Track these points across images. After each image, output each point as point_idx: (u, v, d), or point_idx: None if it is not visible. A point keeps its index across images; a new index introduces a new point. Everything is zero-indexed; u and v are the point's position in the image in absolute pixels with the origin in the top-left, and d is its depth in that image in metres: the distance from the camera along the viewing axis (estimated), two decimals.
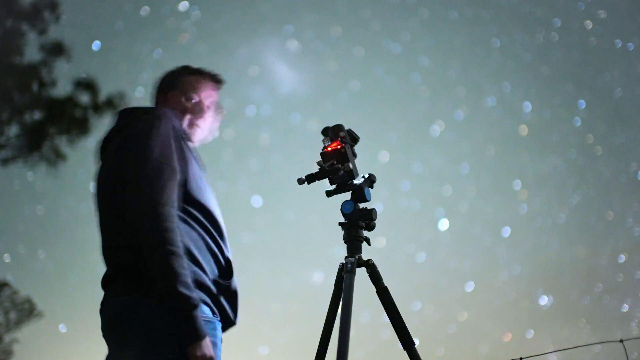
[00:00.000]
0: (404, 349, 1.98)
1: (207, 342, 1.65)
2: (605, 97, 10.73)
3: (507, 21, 11.07)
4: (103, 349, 1.81)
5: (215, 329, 1.77)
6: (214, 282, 1.80)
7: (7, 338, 9.80)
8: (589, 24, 10.61)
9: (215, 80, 2.22)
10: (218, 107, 2.18)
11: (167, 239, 1.63)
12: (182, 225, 1.75)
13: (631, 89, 10.68)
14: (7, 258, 10.42)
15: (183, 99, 2.10)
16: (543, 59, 10.85)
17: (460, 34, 11.00)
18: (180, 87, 2.12)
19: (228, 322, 1.87)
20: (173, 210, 1.69)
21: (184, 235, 1.73)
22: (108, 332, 1.80)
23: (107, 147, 1.96)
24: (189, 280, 1.64)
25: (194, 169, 1.87)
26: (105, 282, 1.82)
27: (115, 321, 1.77)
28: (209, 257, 1.81)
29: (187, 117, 2.09)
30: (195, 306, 1.62)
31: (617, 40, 10.43)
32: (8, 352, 9.75)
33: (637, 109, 10.60)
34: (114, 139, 1.93)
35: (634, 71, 10.75)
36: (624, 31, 10.48)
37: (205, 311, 1.74)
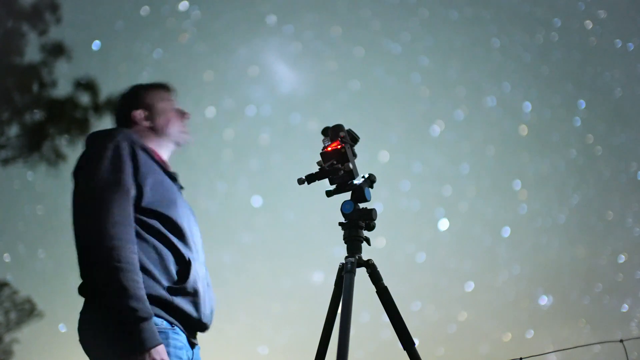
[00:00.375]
0: (404, 349, 1.98)
1: (155, 353, 1.68)
2: (605, 97, 10.73)
3: (507, 21, 11.08)
4: None
5: (168, 338, 1.81)
6: (169, 288, 1.84)
7: (7, 338, 9.80)
8: (589, 24, 10.62)
9: (166, 88, 2.30)
10: (179, 112, 2.25)
11: (112, 256, 1.70)
12: (136, 239, 1.81)
13: (631, 89, 10.68)
14: (7, 258, 10.43)
15: (143, 115, 2.18)
16: (543, 59, 10.86)
17: (460, 34, 11.01)
18: (138, 104, 2.20)
19: (194, 323, 1.92)
20: (120, 227, 1.76)
21: (138, 249, 1.79)
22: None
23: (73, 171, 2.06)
24: (139, 293, 1.69)
25: (154, 180, 1.94)
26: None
27: (79, 335, 1.87)
28: (163, 265, 1.86)
29: (152, 130, 2.17)
30: (143, 318, 1.67)
31: (617, 40, 10.44)
32: (8, 352, 9.76)
33: (637, 109, 10.61)
34: (77, 161, 2.02)
35: (634, 71, 10.76)
36: (624, 31, 10.49)
37: (157, 322, 1.77)
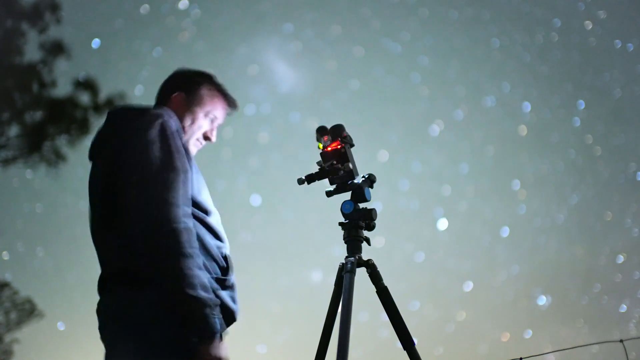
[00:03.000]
0: (404, 348, 1.99)
1: (217, 343, 1.65)
2: (604, 98, 10.74)
3: (507, 21, 11.09)
4: (101, 347, 1.81)
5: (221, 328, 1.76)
6: (216, 279, 1.80)
7: (7, 338, 9.80)
8: (588, 25, 10.63)
9: (227, 100, 2.15)
10: (210, 127, 2.10)
11: (177, 241, 1.61)
12: None
13: (630, 89, 10.69)
14: (5, 255, 10.43)
15: (180, 103, 2.05)
16: (543, 59, 10.87)
17: (460, 34, 11.02)
18: (186, 90, 2.07)
19: (230, 315, 1.86)
20: (183, 210, 1.67)
21: None
22: (104, 331, 1.79)
23: (100, 150, 1.92)
24: (204, 281, 1.63)
25: (194, 169, 1.86)
26: (102, 283, 1.81)
27: (111, 320, 1.76)
28: (209, 256, 1.81)
29: (184, 123, 2.02)
30: (209, 306, 1.62)
31: (617, 40, 10.45)
32: (8, 352, 9.76)
33: (637, 110, 10.62)
34: (109, 141, 1.88)
35: (634, 72, 10.77)
36: (623, 32, 10.50)
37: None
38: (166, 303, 1.61)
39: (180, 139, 1.83)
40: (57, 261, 10.29)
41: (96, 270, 1.87)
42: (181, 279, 1.58)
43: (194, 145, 2.08)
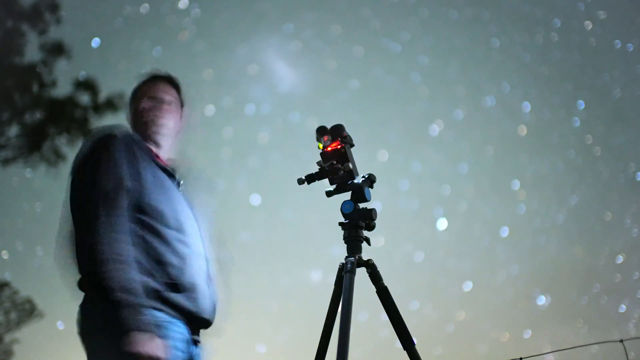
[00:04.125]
0: (404, 348, 1.99)
1: (147, 341, 1.72)
2: (604, 98, 10.74)
3: (507, 21, 11.09)
4: None
5: (167, 329, 1.84)
6: (166, 284, 1.87)
7: (7, 338, 9.80)
8: (588, 25, 10.63)
9: (146, 81, 2.27)
10: (156, 102, 2.19)
11: (109, 249, 1.77)
12: (133, 237, 1.85)
13: (630, 89, 10.69)
14: (5, 255, 10.43)
15: (134, 110, 2.20)
16: (542, 59, 10.86)
17: (460, 33, 11.01)
18: (132, 98, 2.25)
19: (194, 318, 1.94)
20: (118, 220, 1.82)
21: (135, 248, 1.84)
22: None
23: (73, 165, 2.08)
24: (134, 286, 1.75)
25: (148, 177, 1.96)
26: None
27: (77, 327, 1.92)
28: (158, 261, 1.89)
29: (138, 125, 2.17)
30: (137, 309, 1.72)
31: (617, 40, 10.45)
32: (8, 352, 9.76)
33: (637, 110, 10.62)
34: (76, 158, 2.05)
35: (634, 72, 10.77)
36: (623, 32, 10.50)
37: (157, 315, 1.81)
38: (107, 307, 1.74)
39: (137, 151, 1.98)
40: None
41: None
42: (114, 284, 1.73)
43: (160, 134, 2.16)
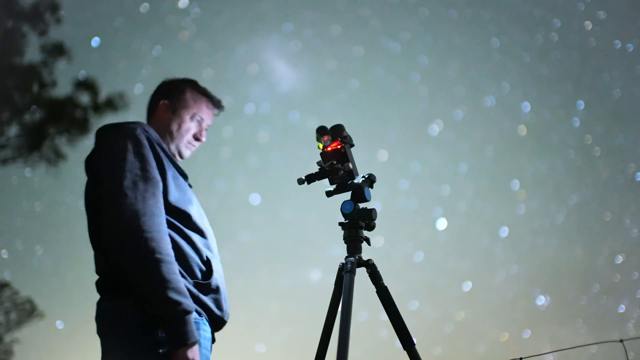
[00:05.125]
0: (404, 348, 1.99)
1: (195, 349, 1.71)
2: (604, 98, 10.74)
3: (506, 21, 11.09)
4: (99, 345, 1.86)
5: (199, 328, 1.83)
6: (195, 284, 1.85)
7: (7, 338, 9.80)
8: (588, 25, 10.63)
9: (211, 101, 2.24)
10: (199, 128, 2.19)
11: (152, 248, 1.68)
12: None
13: (630, 90, 10.69)
14: (4, 254, 10.43)
15: (165, 110, 2.15)
16: (542, 59, 10.87)
17: (460, 33, 11.01)
18: (169, 97, 2.17)
19: (216, 319, 1.93)
20: (157, 218, 1.75)
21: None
22: (100, 335, 1.87)
23: (89, 166, 2.01)
24: (181, 286, 1.69)
25: (172, 176, 1.93)
26: (98, 289, 1.89)
27: (101, 326, 1.85)
28: (187, 263, 1.85)
29: (171, 129, 2.13)
30: (187, 312, 1.68)
31: (617, 41, 10.45)
32: (8, 352, 9.75)
33: (636, 110, 10.62)
34: (93, 155, 1.99)
35: (633, 72, 10.77)
36: (623, 32, 10.50)
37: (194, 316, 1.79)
38: (146, 310, 1.68)
39: (158, 149, 1.92)
40: (56, 259, 10.29)
41: (94, 268, 1.92)
42: (160, 284, 1.65)
43: (186, 147, 2.17)
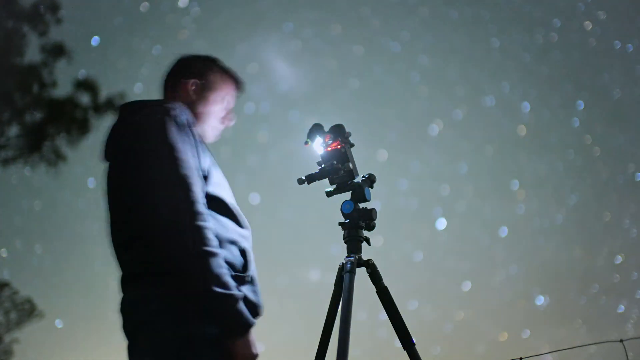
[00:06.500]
0: (404, 348, 1.99)
1: (253, 337, 1.66)
2: (604, 98, 10.75)
3: (506, 21, 11.10)
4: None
5: None
6: (235, 276, 1.74)
7: (7, 338, 9.80)
8: (588, 25, 10.64)
9: (236, 82, 2.11)
10: (227, 111, 2.08)
11: (200, 239, 1.59)
12: None
13: (630, 90, 10.70)
14: (4, 253, 10.43)
15: (194, 90, 2.00)
16: (542, 59, 10.87)
17: (460, 33, 11.02)
18: (195, 74, 2.02)
19: (255, 311, 1.82)
20: (201, 207, 1.64)
21: None
22: (128, 324, 1.76)
23: (114, 146, 1.88)
24: (228, 279, 1.62)
25: (209, 162, 1.82)
26: (125, 281, 1.78)
27: (134, 313, 1.73)
28: (227, 253, 1.75)
29: (198, 110, 1.99)
30: (238, 299, 1.61)
31: (617, 41, 10.46)
32: (8, 352, 9.75)
33: (636, 110, 10.63)
34: (122, 137, 1.84)
35: (633, 72, 10.78)
36: (623, 32, 10.51)
37: None
38: (196, 301, 1.60)
39: (192, 131, 1.78)
40: (55, 258, 10.30)
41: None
42: (210, 277, 1.57)
43: (213, 130, 2.05)
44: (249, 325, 1.65)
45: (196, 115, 1.96)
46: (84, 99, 10.34)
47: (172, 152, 1.67)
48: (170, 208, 1.60)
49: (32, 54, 10.38)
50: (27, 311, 9.86)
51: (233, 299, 1.60)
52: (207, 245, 1.59)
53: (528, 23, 10.94)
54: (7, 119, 10.37)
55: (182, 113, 1.77)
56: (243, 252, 1.83)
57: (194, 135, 1.76)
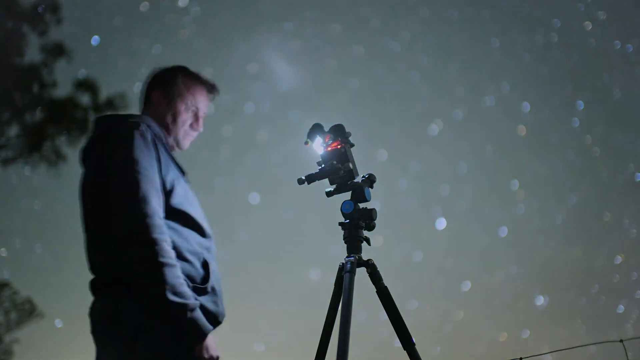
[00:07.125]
0: (404, 348, 1.99)
1: (211, 342, 1.76)
2: (604, 98, 10.75)
3: (506, 21, 11.10)
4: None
5: None
6: (193, 287, 1.84)
7: (7, 338, 9.80)
8: (588, 25, 10.64)
9: (205, 86, 2.17)
10: (195, 117, 2.13)
11: (157, 251, 1.69)
12: None
13: (630, 90, 10.70)
14: (4, 253, 10.43)
15: (160, 101, 2.09)
16: (542, 59, 10.87)
17: (460, 33, 11.02)
18: (162, 86, 2.11)
19: (214, 321, 1.92)
20: (160, 220, 1.75)
21: None
22: (96, 333, 1.86)
23: (89, 155, 1.98)
24: (185, 289, 1.73)
25: (173, 176, 1.90)
26: (94, 287, 1.88)
27: (102, 324, 1.84)
28: (187, 265, 1.85)
29: (167, 121, 2.07)
30: (193, 309, 1.72)
31: (617, 41, 10.46)
32: (8, 352, 9.75)
33: (636, 111, 10.63)
34: (93, 150, 1.95)
35: (633, 72, 10.78)
36: (623, 32, 10.51)
37: None
38: (155, 310, 1.72)
39: (159, 146, 1.89)
40: (55, 258, 10.30)
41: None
42: (166, 287, 1.68)
43: (185, 137, 2.12)
44: (203, 332, 1.75)
45: (166, 125, 2.06)
46: (84, 99, 10.34)
47: (134, 166, 1.77)
48: (130, 221, 1.72)
49: (32, 54, 10.38)
50: (27, 311, 9.86)
51: (188, 307, 1.71)
52: (163, 256, 1.70)
53: (528, 23, 10.95)
54: (7, 119, 10.37)
55: (147, 129, 1.88)
56: (205, 264, 1.92)
57: (157, 150, 1.86)
